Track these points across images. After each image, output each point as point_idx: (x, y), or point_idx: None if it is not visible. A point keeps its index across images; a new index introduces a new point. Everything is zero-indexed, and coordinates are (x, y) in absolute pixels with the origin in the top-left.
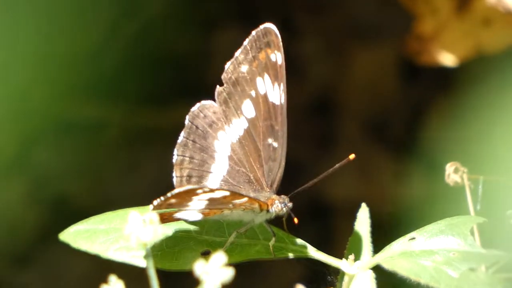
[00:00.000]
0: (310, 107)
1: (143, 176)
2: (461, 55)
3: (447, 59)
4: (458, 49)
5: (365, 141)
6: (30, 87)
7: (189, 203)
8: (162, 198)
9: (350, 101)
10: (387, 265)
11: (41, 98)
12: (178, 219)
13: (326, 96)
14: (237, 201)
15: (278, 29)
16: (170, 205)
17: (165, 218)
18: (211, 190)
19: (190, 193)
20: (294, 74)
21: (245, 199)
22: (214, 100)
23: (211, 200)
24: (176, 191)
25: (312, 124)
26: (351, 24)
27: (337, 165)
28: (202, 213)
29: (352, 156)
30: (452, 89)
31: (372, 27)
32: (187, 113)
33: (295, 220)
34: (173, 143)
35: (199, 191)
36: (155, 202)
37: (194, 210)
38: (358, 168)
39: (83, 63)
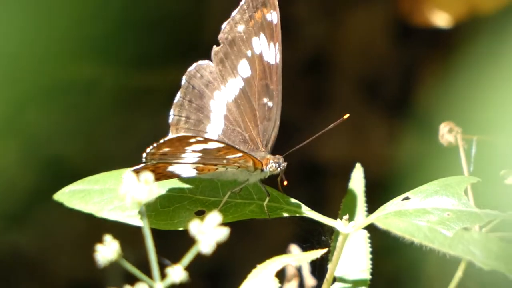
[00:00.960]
0: (303, 67)
1: (137, 137)
2: (455, 15)
3: (441, 19)
4: (451, 10)
5: (358, 101)
6: (23, 49)
7: (183, 155)
8: (155, 144)
9: (344, 61)
10: (382, 225)
11: (34, 59)
12: (172, 175)
13: (320, 56)
14: (231, 156)
15: None
16: (164, 156)
17: (159, 173)
18: (205, 140)
19: (183, 142)
20: (288, 34)
21: (240, 154)
22: (211, 60)
23: (204, 152)
24: (168, 137)
25: (305, 84)
26: None
27: (331, 125)
28: (196, 169)
29: (346, 116)
30: (445, 50)
31: None
32: (181, 74)
33: (285, 182)
34: (167, 103)
35: (192, 140)
36: (148, 149)
37: (188, 164)
38: (352, 128)
39: (77, 24)
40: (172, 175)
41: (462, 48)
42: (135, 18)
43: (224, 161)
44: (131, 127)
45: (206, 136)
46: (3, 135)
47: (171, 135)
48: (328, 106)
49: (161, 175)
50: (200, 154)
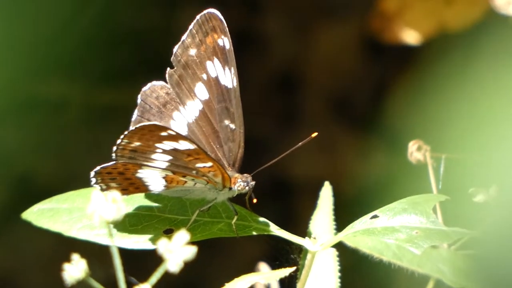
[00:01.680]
0: (273, 84)
1: (105, 154)
2: (424, 33)
3: (410, 37)
4: (421, 27)
5: (328, 118)
6: None
7: (153, 156)
8: (126, 132)
9: (314, 78)
10: (350, 243)
11: (3, 76)
12: (141, 185)
13: (290, 73)
14: (201, 165)
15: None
16: (134, 152)
17: (127, 178)
18: (177, 135)
19: (155, 134)
20: (258, 50)
21: (209, 163)
22: (166, 81)
23: (175, 155)
24: (140, 125)
25: (275, 100)
26: (315, 1)
27: (299, 143)
28: (165, 179)
29: (314, 134)
30: (415, 67)
31: (336, 4)
32: None
33: (254, 200)
34: None
35: (163, 133)
36: (118, 141)
37: (157, 170)
38: (321, 146)
39: (44, 42)
40: (141, 185)
41: (432, 65)
42: (102, 35)
43: (194, 172)
44: (100, 145)
45: None
46: None
47: (143, 123)
48: (298, 123)
49: (129, 182)
50: (170, 158)
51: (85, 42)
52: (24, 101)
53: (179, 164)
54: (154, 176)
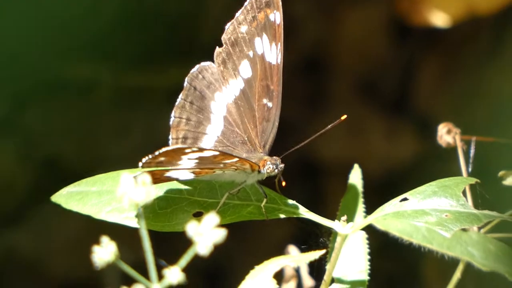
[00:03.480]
0: (301, 67)
1: (134, 137)
2: (453, 15)
3: (439, 19)
4: (449, 9)
5: (356, 101)
6: (21, 48)
7: (179, 162)
8: (150, 156)
9: (341, 60)
10: (380, 226)
11: (32, 57)
12: (170, 179)
13: (317, 56)
14: (228, 161)
15: None
16: (160, 163)
17: (156, 178)
18: (200, 150)
19: (179, 152)
20: (286, 34)
21: (236, 159)
22: (213, 61)
23: (201, 159)
24: (164, 149)
25: (303, 83)
26: None
27: (328, 126)
28: (194, 172)
29: (344, 117)
30: (444, 49)
31: None
32: (179, 74)
33: (283, 183)
34: (165, 103)
35: (187, 150)
36: (144, 160)
37: (185, 170)
38: (350, 128)
39: (74, 24)
40: (170, 179)
41: (461, 48)
42: (133, 17)
43: (221, 165)
44: (129, 127)
45: (206, 137)
46: (0, 135)
47: (166, 147)
48: (326, 106)
49: (158, 179)
50: (196, 161)
51: (115, 24)
52: (52, 82)
53: (206, 162)
54: (182, 173)
